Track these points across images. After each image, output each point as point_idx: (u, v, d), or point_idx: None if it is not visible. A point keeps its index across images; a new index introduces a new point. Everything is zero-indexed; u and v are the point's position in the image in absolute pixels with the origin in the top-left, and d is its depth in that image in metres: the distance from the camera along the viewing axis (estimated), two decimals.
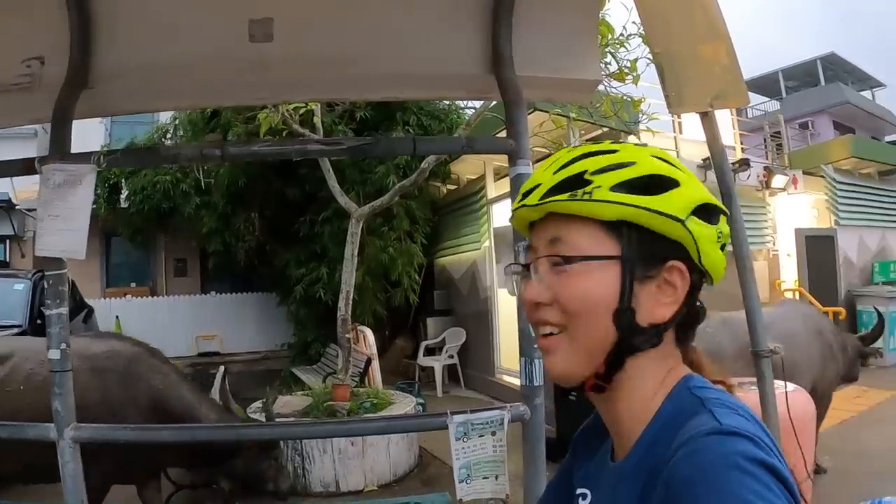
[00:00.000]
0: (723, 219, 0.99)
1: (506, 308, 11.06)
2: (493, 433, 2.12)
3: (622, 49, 5.81)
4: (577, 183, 0.96)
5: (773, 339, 5.54)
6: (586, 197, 0.94)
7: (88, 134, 12.13)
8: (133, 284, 16.85)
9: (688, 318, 0.99)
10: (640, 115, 7.04)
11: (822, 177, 13.92)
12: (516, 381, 10.47)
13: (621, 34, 5.69)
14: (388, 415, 6.59)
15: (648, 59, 5.68)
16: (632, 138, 8.01)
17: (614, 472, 0.99)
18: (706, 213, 0.96)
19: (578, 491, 1.13)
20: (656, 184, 0.95)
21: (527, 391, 2.23)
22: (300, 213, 11.90)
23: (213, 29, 2.26)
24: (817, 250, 13.02)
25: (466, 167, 12.67)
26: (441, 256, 13.81)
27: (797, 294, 11.99)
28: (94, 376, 4.22)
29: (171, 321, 14.05)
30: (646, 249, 0.95)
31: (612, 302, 0.94)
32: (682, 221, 0.93)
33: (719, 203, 0.99)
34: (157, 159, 2.38)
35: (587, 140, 9.53)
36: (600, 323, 0.94)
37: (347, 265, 7.86)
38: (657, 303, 0.95)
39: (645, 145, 1.04)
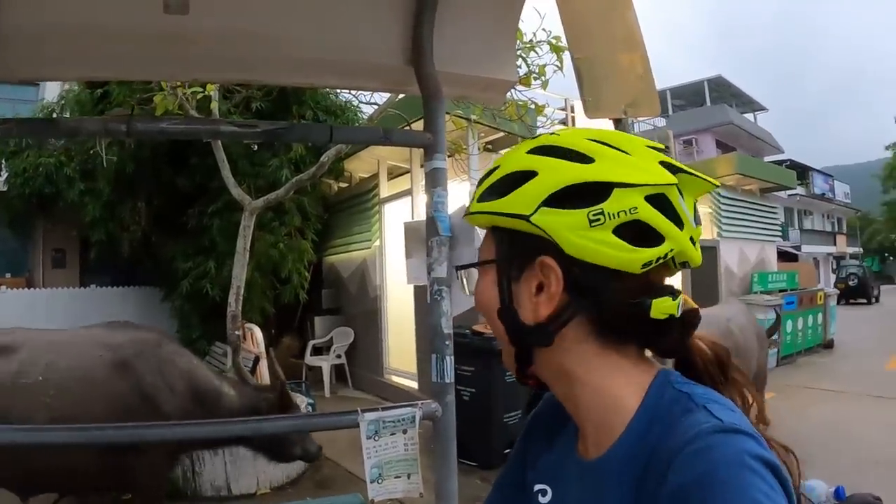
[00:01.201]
0: (619, 194, 0.87)
1: (395, 308, 11.07)
2: (405, 431, 2.07)
3: (532, 54, 5.87)
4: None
5: (735, 329, 6.82)
6: (468, 211, 1.02)
7: None
8: (8, 275, 15.67)
9: (616, 314, 0.92)
10: (545, 121, 7.16)
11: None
12: (405, 382, 10.53)
13: (531, 40, 5.74)
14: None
15: (556, 66, 5.78)
16: None
17: (591, 470, 0.95)
18: (571, 196, 0.89)
19: (537, 487, 1.08)
20: (509, 183, 0.95)
21: (438, 388, 2.19)
22: (189, 204, 11.35)
23: None
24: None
25: (360, 165, 12.50)
26: (330, 254, 13.63)
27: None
28: (127, 364, 4.40)
29: (50, 316, 13.14)
30: (516, 250, 0.96)
31: (496, 303, 0.99)
32: (525, 218, 0.91)
33: (607, 177, 0.89)
34: (56, 131, 2.20)
35: (486, 143, 9.61)
36: (495, 322, 1.00)
37: (239, 259, 7.62)
38: (537, 302, 0.94)
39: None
